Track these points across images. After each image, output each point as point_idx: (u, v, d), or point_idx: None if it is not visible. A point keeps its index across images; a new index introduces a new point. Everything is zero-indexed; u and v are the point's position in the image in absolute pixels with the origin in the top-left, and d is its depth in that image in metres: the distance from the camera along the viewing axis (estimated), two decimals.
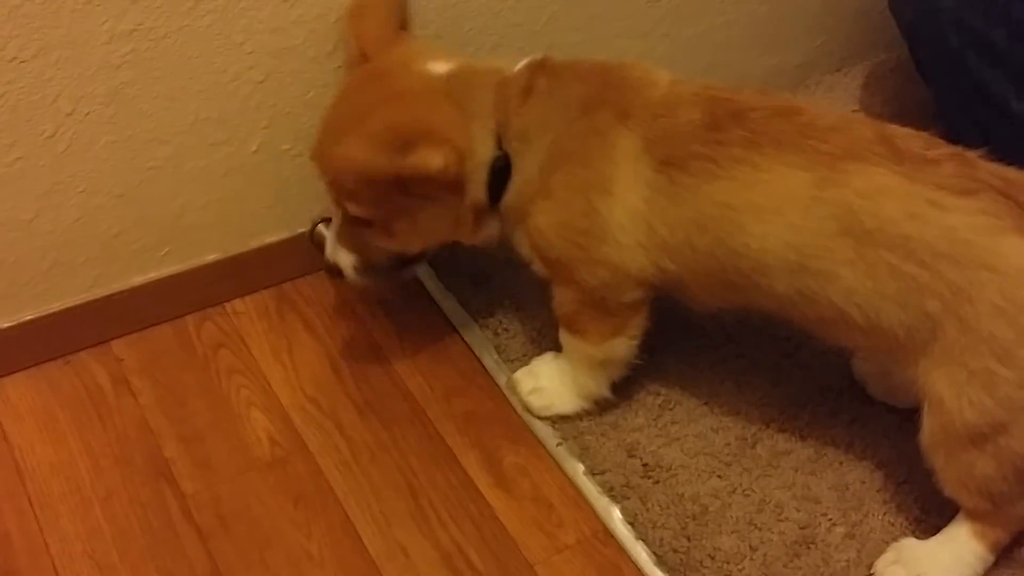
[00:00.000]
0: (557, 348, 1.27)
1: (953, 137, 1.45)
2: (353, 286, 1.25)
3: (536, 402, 1.26)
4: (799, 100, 1.08)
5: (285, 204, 1.38)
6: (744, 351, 1.33)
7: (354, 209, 1.15)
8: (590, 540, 1.17)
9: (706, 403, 1.28)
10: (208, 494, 1.19)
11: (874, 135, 1.01)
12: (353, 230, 1.19)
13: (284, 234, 1.40)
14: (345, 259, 1.22)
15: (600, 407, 1.26)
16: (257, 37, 1.23)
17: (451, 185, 1.10)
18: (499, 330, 1.36)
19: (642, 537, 1.15)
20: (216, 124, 1.27)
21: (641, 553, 1.15)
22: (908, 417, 1.24)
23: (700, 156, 1.04)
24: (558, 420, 1.26)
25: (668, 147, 1.05)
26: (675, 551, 1.14)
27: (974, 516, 1.08)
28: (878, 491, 1.19)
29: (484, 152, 1.11)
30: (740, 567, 1.12)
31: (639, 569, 1.14)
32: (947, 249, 0.96)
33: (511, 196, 1.14)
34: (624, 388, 1.28)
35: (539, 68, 1.13)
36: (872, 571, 1.12)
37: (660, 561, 1.13)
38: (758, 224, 1.02)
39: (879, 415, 1.26)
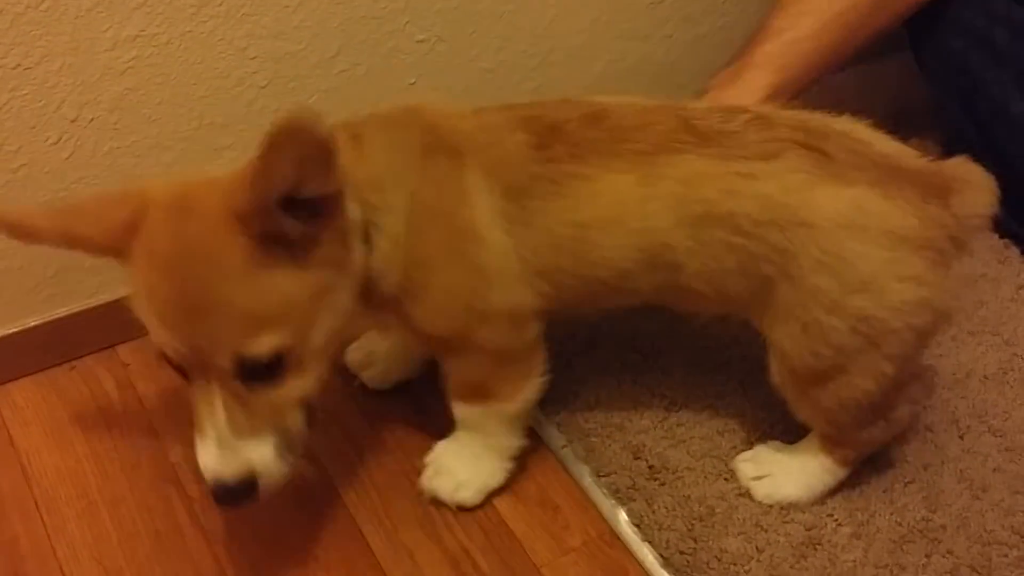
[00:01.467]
0: (565, 356, 1.27)
1: (954, 137, 1.46)
2: (273, 489, 0.96)
3: (457, 495, 1.17)
4: (601, 100, 1.07)
5: None
6: (749, 353, 1.33)
7: (266, 342, 0.90)
8: (596, 542, 1.17)
9: (712, 405, 1.28)
10: None
11: (676, 124, 1.03)
12: (255, 400, 0.93)
13: None
14: (260, 452, 0.93)
15: (606, 409, 1.27)
16: (260, 42, 1.23)
17: None
18: None
19: (648, 539, 1.16)
20: (220, 129, 1.27)
21: (647, 555, 1.15)
22: (915, 418, 1.25)
23: (539, 177, 1.03)
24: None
25: (509, 174, 1.03)
26: (681, 553, 1.14)
27: (824, 438, 1.15)
28: (884, 491, 1.19)
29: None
30: (747, 568, 1.12)
31: (646, 571, 1.14)
32: (766, 216, 1.00)
33: (378, 262, 1.00)
34: (630, 391, 1.29)
35: (349, 122, 1.03)
36: (730, 466, 1.20)
37: (666, 563, 1.13)
38: (606, 236, 1.03)
39: None
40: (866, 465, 1.21)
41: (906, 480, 1.19)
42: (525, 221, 1.03)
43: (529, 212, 1.03)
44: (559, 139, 1.03)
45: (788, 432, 1.24)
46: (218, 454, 0.91)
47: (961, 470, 1.21)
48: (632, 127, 1.03)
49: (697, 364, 1.32)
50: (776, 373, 1.09)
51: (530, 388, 1.14)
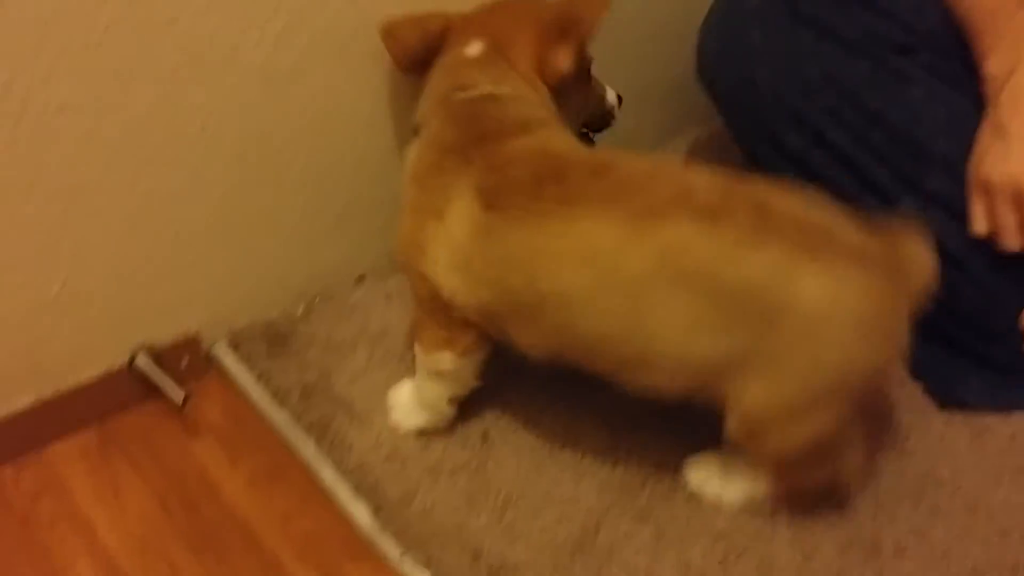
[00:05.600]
0: (399, 459, 1.27)
1: None
2: None
3: (392, 416, 1.34)
4: (616, 155, 1.17)
5: (101, 336, 1.34)
6: (579, 440, 1.33)
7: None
8: None
9: (548, 494, 1.27)
10: None
11: (677, 191, 1.12)
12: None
13: (103, 368, 1.36)
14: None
15: (442, 511, 1.25)
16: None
17: None
18: (335, 441, 1.33)
19: None
20: (11, 270, 1.22)
21: None
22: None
23: (519, 206, 1.14)
24: (403, 521, 1.24)
25: (496, 195, 1.15)
26: None
27: (769, 471, 1.23)
28: (719, 562, 1.20)
29: None
30: None
31: None
32: (749, 288, 1.08)
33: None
34: (465, 487, 1.27)
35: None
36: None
37: None
38: (568, 269, 1.12)
39: None
40: (700, 540, 1.22)
41: (739, 551, 1.21)
42: (490, 234, 1.14)
43: (497, 229, 1.14)
44: (558, 182, 1.13)
45: (624, 514, 1.25)
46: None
47: (792, 536, 1.22)
48: (635, 186, 1.12)
49: (530, 455, 1.32)
50: (736, 428, 1.15)
51: (445, 357, 1.25)
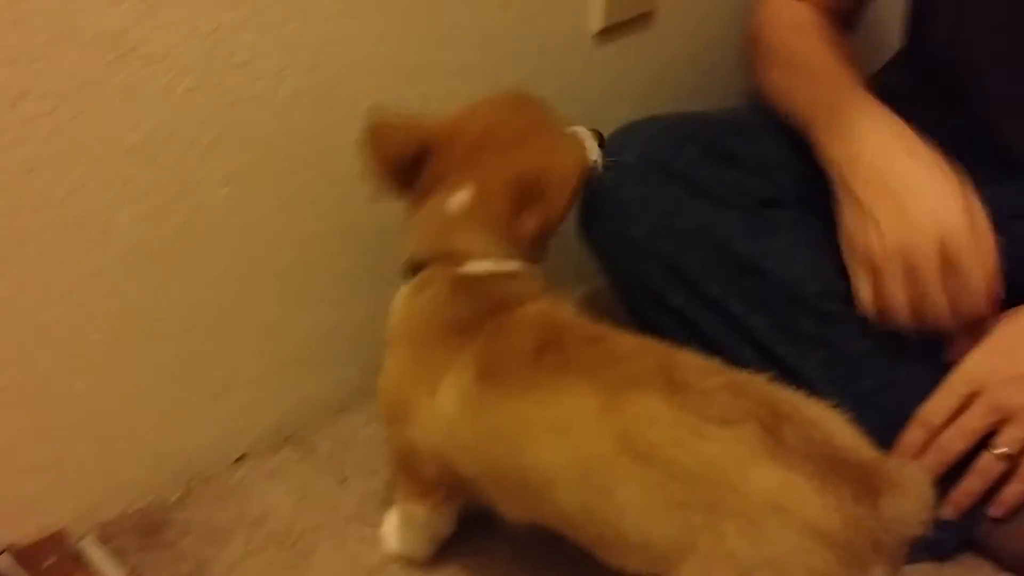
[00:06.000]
0: None
1: None
2: None
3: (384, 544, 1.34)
4: (609, 328, 1.16)
5: None
6: None
7: None
8: None
9: None
10: None
11: (656, 365, 1.09)
12: None
13: None
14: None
15: None
16: None
17: None
18: None
19: None
20: None
21: None
22: None
23: (516, 375, 1.12)
24: None
25: (494, 364, 1.13)
26: None
27: None
28: None
29: None
30: None
31: None
32: (703, 472, 1.02)
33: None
34: None
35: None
36: None
37: None
38: (548, 440, 1.08)
39: None
40: None
41: None
42: (480, 404, 1.11)
43: (488, 399, 1.11)
44: (556, 351, 1.11)
45: None
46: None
47: None
48: (619, 356, 1.10)
49: None
50: None
51: (418, 510, 1.25)
